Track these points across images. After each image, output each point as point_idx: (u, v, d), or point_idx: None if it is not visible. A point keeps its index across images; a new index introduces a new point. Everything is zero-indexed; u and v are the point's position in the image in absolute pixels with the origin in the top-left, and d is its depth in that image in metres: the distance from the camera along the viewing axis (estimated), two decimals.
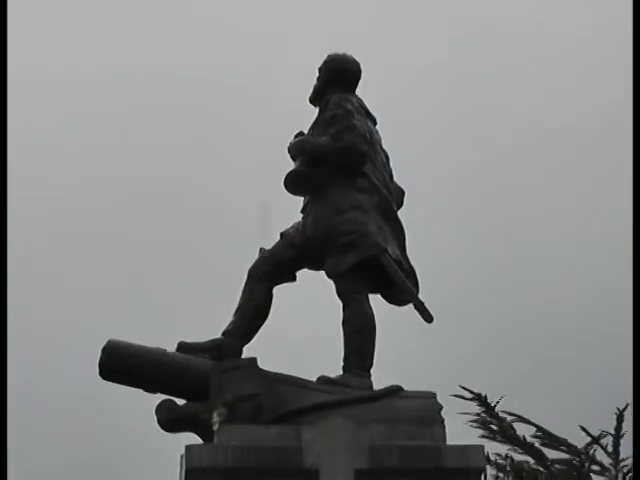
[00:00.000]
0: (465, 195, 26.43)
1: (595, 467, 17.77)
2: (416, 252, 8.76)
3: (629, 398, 18.45)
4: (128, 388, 8.50)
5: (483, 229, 26.95)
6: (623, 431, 17.62)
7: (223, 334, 8.44)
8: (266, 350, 8.53)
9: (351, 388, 8.20)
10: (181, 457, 7.91)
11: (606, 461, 17.80)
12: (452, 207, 25.76)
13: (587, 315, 27.76)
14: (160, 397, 8.26)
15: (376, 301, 8.66)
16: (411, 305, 8.51)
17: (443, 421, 8.11)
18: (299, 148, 8.63)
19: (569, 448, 17.81)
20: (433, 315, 8.42)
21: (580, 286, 28.35)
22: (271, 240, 8.76)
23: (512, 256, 28.29)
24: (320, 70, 8.93)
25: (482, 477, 9.32)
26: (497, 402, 17.96)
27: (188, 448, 7.77)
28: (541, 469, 17.75)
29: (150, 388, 8.31)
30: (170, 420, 8.16)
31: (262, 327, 8.59)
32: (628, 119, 12.79)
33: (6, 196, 11.17)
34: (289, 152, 8.70)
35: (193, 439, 8.15)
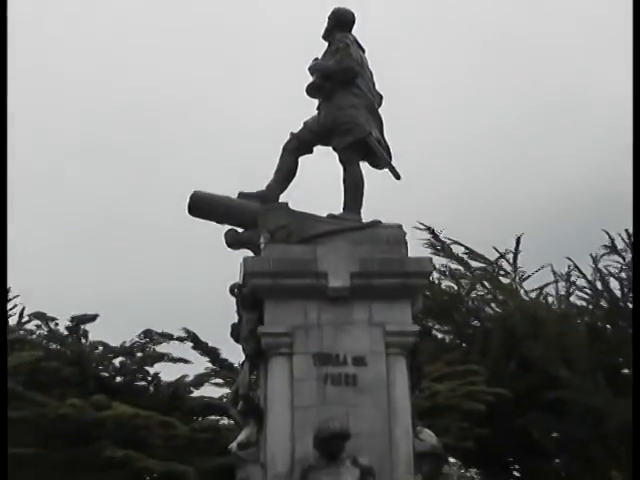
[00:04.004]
0: None
1: (502, 272, 18.72)
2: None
3: (524, 221, 19.04)
4: None
5: None
6: (520, 250, 18.52)
7: (267, 187, 8.85)
8: (294, 197, 8.86)
9: (348, 221, 8.53)
10: (240, 265, 8.26)
11: (509, 269, 18.76)
12: None
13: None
14: (227, 227, 8.59)
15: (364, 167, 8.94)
16: (386, 169, 8.86)
17: (406, 243, 8.43)
18: (316, 68, 9.00)
19: (485, 260, 18.77)
20: (401, 175, 8.76)
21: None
22: None
23: None
24: (329, 18, 9.27)
25: (430, 277, 9.80)
26: (441, 231, 18.88)
27: (245, 259, 8.20)
28: (467, 273, 18.69)
29: (220, 221, 8.67)
30: (233, 241, 8.53)
31: (291, 182, 8.92)
32: None
33: (6, 195, 10.07)
34: (309, 70, 9.06)
35: (248, 253, 8.50)
